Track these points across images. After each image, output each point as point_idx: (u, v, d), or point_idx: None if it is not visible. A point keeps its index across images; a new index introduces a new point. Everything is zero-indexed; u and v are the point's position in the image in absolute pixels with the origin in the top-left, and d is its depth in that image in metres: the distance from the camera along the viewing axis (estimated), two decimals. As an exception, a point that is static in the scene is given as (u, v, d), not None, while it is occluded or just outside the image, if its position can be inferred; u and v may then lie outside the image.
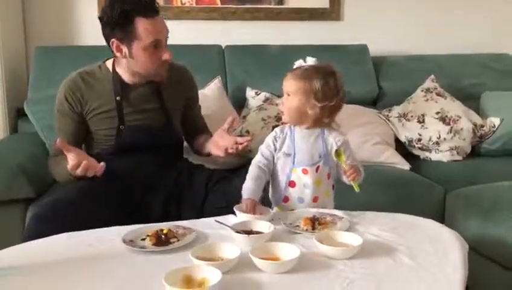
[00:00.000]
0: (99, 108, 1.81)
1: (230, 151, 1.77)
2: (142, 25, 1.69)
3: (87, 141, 1.88)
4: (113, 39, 1.73)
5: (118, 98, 1.80)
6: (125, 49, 1.73)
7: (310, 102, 1.57)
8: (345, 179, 1.64)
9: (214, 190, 1.79)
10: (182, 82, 1.95)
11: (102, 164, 1.62)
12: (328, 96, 1.57)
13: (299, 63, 1.63)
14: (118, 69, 1.83)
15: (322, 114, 1.59)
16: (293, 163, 1.62)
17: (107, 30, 1.73)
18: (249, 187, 1.58)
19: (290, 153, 1.63)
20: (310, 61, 1.61)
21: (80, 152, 1.66)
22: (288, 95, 1.60)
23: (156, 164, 1.83)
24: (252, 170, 1.63)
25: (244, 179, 1.60)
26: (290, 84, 1.60)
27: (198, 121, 2.05)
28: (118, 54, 1.76)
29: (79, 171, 1.60)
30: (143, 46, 1.71)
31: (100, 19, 1.74)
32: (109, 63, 1.85)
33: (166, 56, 1.76)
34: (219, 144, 1.81)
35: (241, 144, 1.74)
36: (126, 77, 1.82)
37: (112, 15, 1.69)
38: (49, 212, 1.60)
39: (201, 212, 1.72)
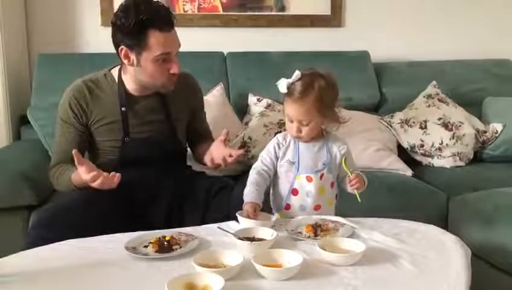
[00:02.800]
0: (104, 119, 1.79)
1: (216, 162, 1.78)
2: (154, 37, 1.66)
3: (90, 151, 1.86)
4: (122, 46, 1.70)
5: (123, 109, 1.78)
6: (133, 57, 1.71)
7: (324, 113, 1.58)
8: (348, 187, 1.64)
9: (215, 200, 1.78)
10: (187, 91, 1.92)
11: (118, 176, 1.58)
12: (333, 98, 1.60)
13: (282, 83, 1.58)
14: (124, 79, 1.80)
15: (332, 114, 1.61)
16: (297, 170, 1.62)
17: (117, 36, 1.70)
18: (249, 191, 1.58)
19: (294, 161, 1.63)
20: (295, 76, 1.58)
21: (92, 166, 1.62)
22: (302, 122, 1.58)
23: (158, 173, 1.81)
24: (252, 176, 1.63)
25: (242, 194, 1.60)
26: (297, 111, 1.57)
27: (202, 128, 2.03)
28: (125, 61, 1.73)
29: (96, 185, 1.57)
30: (152, 57, 1.68)
31: (112, 23, 1.71)
32: (115, 72, 1.83)
33: (174, 69, 1.73)
34: (211, 154, 1.80)
35: (231, 156, 1.72)
36: (132, 87, 1.80)
37: (125, 22, 1.65)
38: (50, 219, 1.60)
39: (203, 222, 1.71)
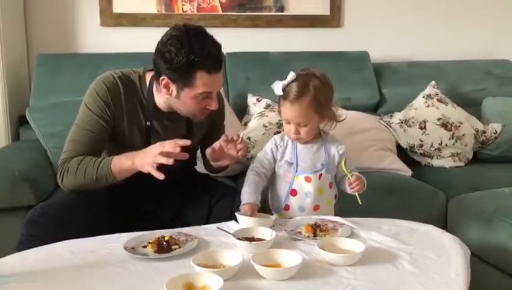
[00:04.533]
0: (128, 124, 1.71)
1: (213, 146, 1.70)
2: (201, 78, 1.58)
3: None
4: (164, 76, 1.61)
5: (148, 123, 1.72)
6: (173, 89, 1.62)
7: (321, 113, 1.59)
8: (347, 188, 1.64)
9: (219, 204, 1.75)
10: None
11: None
12: (328, 97, 1.60)
13: (278, 85, 1.59)
14: (155, 93, 1.71)
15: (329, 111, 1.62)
16: (296, 170, 1.62)
17: (161, 65, 1.59)
18: (246, 192, 1.58)
19: (293, 162, 1.63)
20: (290, 76, 1.58)
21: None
22: (299, 123, 1.59)
23: (166, 182, 1.66)
24: (249, 176, 1.63)
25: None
26: (294, 113, 1.57)
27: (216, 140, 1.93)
28: (163, 90, 1.64)
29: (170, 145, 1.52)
30: (193, 94, 1.61)
31: (159, 51, 1.59)
32: (148, 78, 1.73)
33: (212, 106, 1.67)
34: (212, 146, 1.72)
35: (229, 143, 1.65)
36: (161, 104, 1.72)
37: (175, 58, 1.56)
38: (40, 217, 1.58)
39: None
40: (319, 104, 1.57)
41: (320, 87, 1.57)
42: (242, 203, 1.56)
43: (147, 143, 1.69)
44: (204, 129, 1.88)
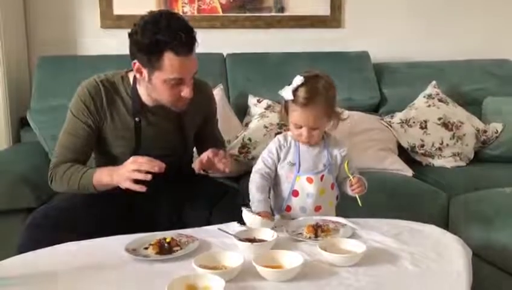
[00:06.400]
0: (116, 125, 1.72)
1: (201, 157, 1.72)
2: (170, 60, 1.55)
3: (98, 153, 1.81)
4: (135, 60, 1.61)
5: (136, 119, 1.71)
6: (145, 74, 1.62)
7: (330, 114, 1.60)
8: (348, 190, 1.64)
9: (219, 206, 1.74)
10: (202, 100, 1.83)
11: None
12: (335, 97, 1.60)
13: (287, 90, 1.57)
14: (138, 88, 1.72)
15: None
16: (298, 171, 1.62)
17: (132, 49, 1.61)
18: (259, 199, 1.58)
19: (295, 163, 1.63)
20: (298, 80, 1.57)
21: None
22: (311, 127, 1.58)
23: (164, 181, 1.69)
24: (256, 180, 1.62)
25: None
26: (307, 117, 1.56)
27: (212, 135, 1.97)
28: (137, 75, 1.65)
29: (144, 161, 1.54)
30: (164, 78, 1.59)
31: (129, 34, 1.60)
32: (132, 76, 1.73)
33: (185, 93, 1.62)
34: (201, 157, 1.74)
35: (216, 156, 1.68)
36: (145, 97, 1.72)
37: (141, 39, 1.56)
38: (42, 220, 1.59)
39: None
40: (329, 105, 1.57)
41: (328, 88, 1.57)
42: (256, 211, 1.55)
43: (137, 141, 1.72)
44: (196, 123, 1.88)
